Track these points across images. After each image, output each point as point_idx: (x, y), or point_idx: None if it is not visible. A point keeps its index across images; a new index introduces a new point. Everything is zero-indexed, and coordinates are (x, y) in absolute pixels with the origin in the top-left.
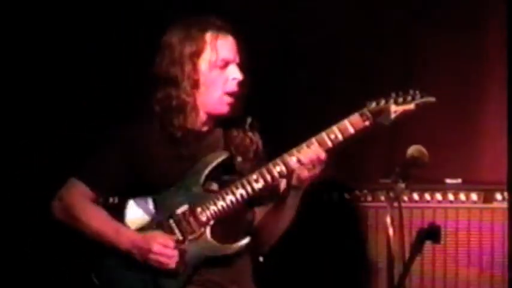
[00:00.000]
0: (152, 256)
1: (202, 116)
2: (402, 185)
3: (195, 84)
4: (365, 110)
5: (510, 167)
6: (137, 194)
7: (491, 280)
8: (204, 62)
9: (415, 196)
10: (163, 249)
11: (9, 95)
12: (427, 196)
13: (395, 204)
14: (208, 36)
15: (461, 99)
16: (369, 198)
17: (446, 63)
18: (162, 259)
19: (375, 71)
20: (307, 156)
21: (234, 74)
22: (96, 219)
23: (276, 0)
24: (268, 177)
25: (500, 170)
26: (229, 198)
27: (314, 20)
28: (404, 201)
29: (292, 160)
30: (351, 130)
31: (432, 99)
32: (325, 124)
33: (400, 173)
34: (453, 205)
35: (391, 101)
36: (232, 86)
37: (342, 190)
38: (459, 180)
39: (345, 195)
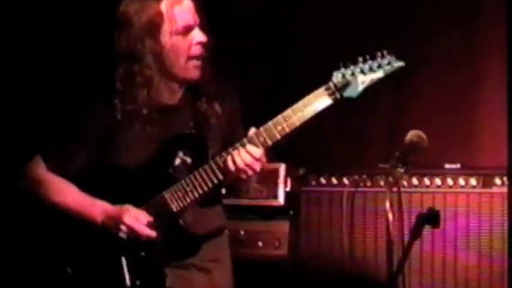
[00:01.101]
0: (123, 227)
1: (172, 86)
2: (401, 170)
3: (159, 57)
4: (331, 85)
5: (510, 154)
6: (101, 172)
7: (490, 264)
8: (164, 34)
9: (414, 181)
10: (135, 222)
11: (9, 95)
12: (426, 181)
13: (395, 189)
14: (164, 5)
15: (461, 84)
16: (368, 183)
17: (446, 51)
18: (134, 231)
19: None
20: (242, 159)
21: (198, 37)
22: (67, 193)
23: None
24: (237, 158)
25: (499, 155)
26: (197, 183)
27: (314, 20)
28: (403, 186)
29: (229, 162)
30: (318, 106)
31: (401, 63)
32: (323, 121)
33: (399, 158)
34: (452, 190)
35: (358, 70)
36: (197, 50)
37: (341, 174)
38: (458, 165)
39: (343, 179)
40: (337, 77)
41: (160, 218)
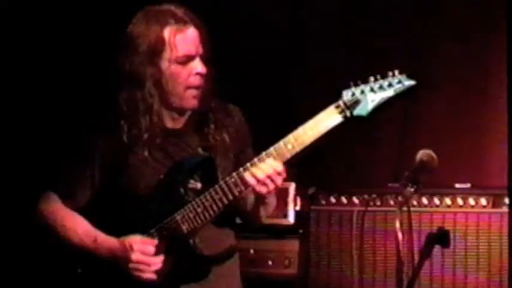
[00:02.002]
0: (132, 265)
1: (172, 113)
2: (411, 190)
3: (159, 84)
4: (341, 103)
5: (511, 173)
6: (111, 199)
7: (500, 284)
8: (165, 61)
9: (424, 200)
10: (142, 256)
11: (7, 96)
12: (436, 200)
13: (405, 208)
14: (167, 32)
15: (471, 104)
16: (378, 203)
17: (456, 71)
18: (142, 267)
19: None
20: (263, 172)
21: (197, 68)
22: (74, 231)
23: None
24: (247, 178)
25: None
26: (208, 204)
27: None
28: (413, 206)
29: (248, 177)
30: (328, 125)
31: (412, 82)
32: (334, 140)
33: (409, 178)
34: (462, 209)
35: (367, 89)
36: (196, 80)
37: (351, 194)
38: (468, 185)
39: (353, 198)
40: (347, 95)
41: (172, 240)
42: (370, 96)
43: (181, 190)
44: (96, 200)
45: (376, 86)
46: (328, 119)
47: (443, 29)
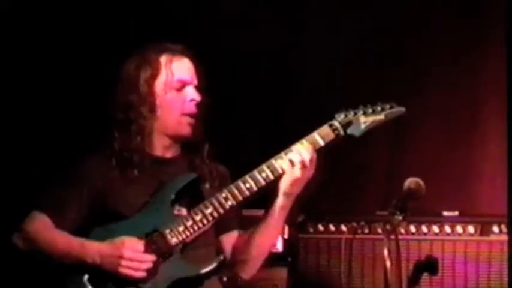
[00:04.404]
0: (124, 262)
1: (165, 141)
2: (399, 217)
3: (152, 107)
4: (334, 122)
5: (510, 200)
6: (101, 221)
7: None
8: (160, 84)
9: (412, 228)
10: (134, 253)
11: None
12: (424, 228)
13: (393, 236)
14: (163, 58)
15: (459, 132)
16: (366, 230)
17: (444, 96)
18: (135, 264)
19: None
20: (299, 155)
21: (192, 95)
22: (60, 240)
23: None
24: (237, 194)
25: (497, 202)
26: (199, 218)
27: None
28: (401, 234)
29: (279, 163)
30: (321, 142)
31: (402, 109)
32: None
33: (397, 205)
34: (450, 237)
35: (360, 112)
36: (191, 107)
37: (339, 221)
38: (456, 213)
39: (341, 226)
40: (339, 116)
41: (160, 254)
42: (362, 119)
43: (168, 205)
44: (83, 222)
45: (368, 110)
46: (321, 137)
47: (434, 56)
